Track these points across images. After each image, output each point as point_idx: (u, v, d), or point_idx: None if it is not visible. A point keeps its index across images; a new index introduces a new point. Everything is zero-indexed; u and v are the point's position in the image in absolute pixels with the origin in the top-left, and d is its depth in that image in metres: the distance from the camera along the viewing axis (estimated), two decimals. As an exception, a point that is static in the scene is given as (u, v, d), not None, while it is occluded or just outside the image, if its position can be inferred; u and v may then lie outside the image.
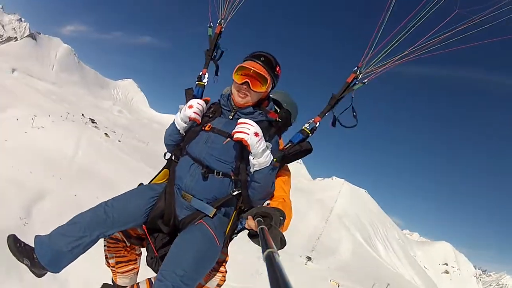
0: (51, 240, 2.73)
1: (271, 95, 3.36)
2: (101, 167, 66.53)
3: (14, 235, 2.78)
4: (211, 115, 3.13)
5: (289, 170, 3.32)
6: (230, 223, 2.97)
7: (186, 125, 3.08)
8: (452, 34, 2.86)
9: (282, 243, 2.20)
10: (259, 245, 1.65)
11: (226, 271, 3.12)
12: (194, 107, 3.03)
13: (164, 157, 3.30)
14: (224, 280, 3.10)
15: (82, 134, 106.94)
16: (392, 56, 3.07)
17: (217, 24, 3.73)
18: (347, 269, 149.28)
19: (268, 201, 2.88)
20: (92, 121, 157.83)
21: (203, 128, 3.01)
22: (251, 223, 2.31)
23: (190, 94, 3.43)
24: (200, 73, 3.51)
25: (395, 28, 2.99)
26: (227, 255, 3.14)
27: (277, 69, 3.05)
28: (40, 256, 2.68)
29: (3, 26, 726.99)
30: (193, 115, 3.00)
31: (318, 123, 3.20)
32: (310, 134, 3.18)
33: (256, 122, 2.81)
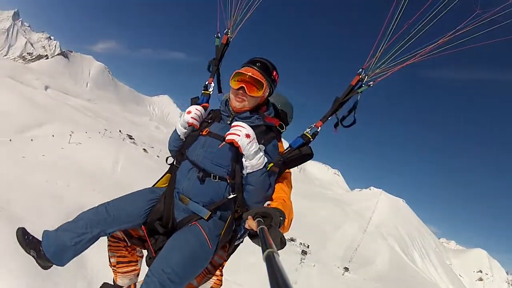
0: (57, 235, 2.93)
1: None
2: (140, 182, 63.23)
3: (23, 228, 3.06)
4: (209, 121, 3.22)
5: (290, 171, 3.35)
6: (226, 226, 2.99)
7: (186, 130, 3.21)
8: (467, 32, 2.81)
9: (282, 244, 2.26)
10: (259, 245, 1.64)
11: (222, 275, 3.19)
12: (192, 113, 3.15)
13: (166, 162, 3.44)
14: (220, 284, 3.17)
15: (121, 150, 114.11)
16: (401, 57, 3.02)
17: (224, 34, 3.79)
18: (384, 279, 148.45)
19: (268, 202, 2.90)
20: (130, 137, 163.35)
21: (201, 133, 3.10)
22: (251, 223, 2.34)
23: (194, 103, 3.45)
24: (206, 82, 3.62)
25: (403, 26, 2.95)
26: (225, 260, 3.21)
27: (274, 74, 3.13)
28: (45, 248, 2.90)
29: (32, 44, 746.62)
30: (191, 120, 3.12)
31: (320, 127, 3.22)
32: (312, 139, 3.19)
33: (253, 126, 2.93)
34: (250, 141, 2.75)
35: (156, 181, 3.50)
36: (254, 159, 2.78)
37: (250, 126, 2.88)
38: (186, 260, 2.71)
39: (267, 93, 3.15)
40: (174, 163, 3.31)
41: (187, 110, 3.21)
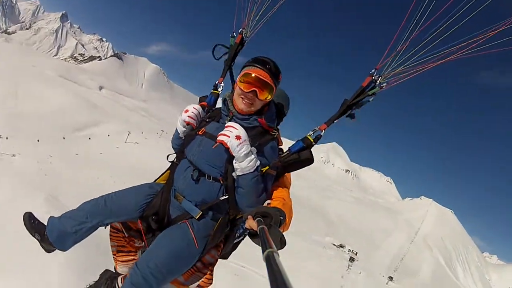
0: (60, 221, 3.23)
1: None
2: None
3: (30, 213, 3.39)
4: (208, 120, 3.27)
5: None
6: (216, 227, 3.07)
7: (184, 129, 3.28)
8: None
9: (282, 243, 2.25)
10: (259, 245, 1.71)
11: (211, 273, 3.25)
12: (189, 112, 3.23)
13: (167, 159, 3.44)
14: (209, 283, 3.26)
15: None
16: (423, 57, 2.80)
17: (238, 34, 3.74)
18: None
19: (268, 201, 2.93)
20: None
21: (198, 132, 3.16)
22: (251, 222, 2.35)
23: (203, 101, 3.50)
24: (217, 82, 3.56)
25: (428, 20, 2.71)
26: (216, 259, 3.30)
27: (280, 77, 3.10)
28: (49, 233, 3.21)
29: (83, 46, 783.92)
30: (187, 119, 3.19)
31: (324, 131, 3.20)
32: (314, 143, 3.19)
33: (251, 128, 3.01)
34: (240, 143, 2.81)
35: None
36: (244, 162, 2.83)
37: (248, 127, 3.01)
38: (171, 257, 2.91)
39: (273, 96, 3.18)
40: (175, 161, 3.40)
41: (185, 109, 3.31)
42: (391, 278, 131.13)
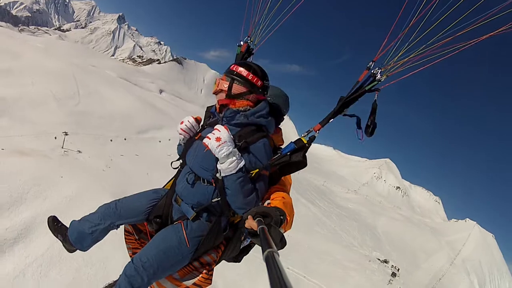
0: (79, 223, 3.97)
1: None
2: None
3: (54, 216, 4.27)
4: (205, 126, 3.72)
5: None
6: (210, 228, 3.48)
7: (182, 137, 3.77)
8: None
9: (282, 243, 2.37)
10: (260, 245, 1.83)
11: (208, 273, 3.59)
12: (183, 124, 3.72)
13: (171, 166, 3.84)
14: (207, 283, 3.60)
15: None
16: (428, 47, 2.73)
17: (243, 42, 4.25)
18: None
19: (268, 201, 3.20)
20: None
21: (195, 138, 3.64)
22: (251, 222, 2.50)
23: (208, 111, 3.90)
24: None
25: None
26: (215, 260, 3.69)
27: (234, 68, 3.48)
28: (70, 234, 3.98)
29: (141, 48, 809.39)
30: (179, 130, 3.72)
31: (318, 131, 3.47)
32: (307, 145, 3.48)
33: (238, 124, 3.40)
34: (219, 144, 3.11)
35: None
36: (224, 163, 3.13)
37: (235, 124, 3.41)
38: (161, 253, 3.39)
39: (229, 88, 3.44)
40: (180, 167, 3.83)
41: (181, 121, 3.78)
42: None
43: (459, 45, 2.74)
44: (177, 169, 3.87)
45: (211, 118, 3.82)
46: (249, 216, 2.58)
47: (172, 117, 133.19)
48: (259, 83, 3.48)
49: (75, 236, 3.93)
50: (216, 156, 3.14)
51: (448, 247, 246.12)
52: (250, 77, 3.46)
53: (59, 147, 56.61)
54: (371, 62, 3.17)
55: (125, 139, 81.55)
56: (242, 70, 3.47)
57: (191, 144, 3.63)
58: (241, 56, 4.31)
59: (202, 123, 3.88)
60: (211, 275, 3.63)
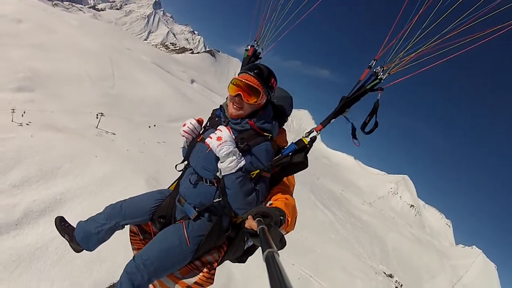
0: (86, 223, 4.09)
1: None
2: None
3: (62, 217, 4.41)
4: (207, 128, 3.71)
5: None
6: (211, 228, 3.53)
7: (185, 139, 3.80)
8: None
9: (282, 244, 2.38)
10: (259, 245, 1.87)
11: (209, 272, 3.63)
12: (186, 126, 3.72)
13: (176, 168, 3.92)
14: (209, 283, 3.64)
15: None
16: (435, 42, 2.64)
17: (250, 46, 4.25)
18: None
19: (270, 201, 3.24)
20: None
21: (197, 140, 3.65)
22: (251, 222, 2.51)
23: (213, 114, 3.86)
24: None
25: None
26: (216, 260, 3.72)
27: (272, 81, 3.42)
28: (76, 234, 4.10)
29: (174, 35, 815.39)
30: (182, 133, 3.72)
31: (319, 132, 3.47)
32: (308, 146, 3.47)
33: (243, 130, 3.42)
34: (220, 144, 3.16)
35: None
36: (224, 162, 3.17)
37: (241, 130, 3.43)
38: (162, 252, 3.46)
39: (264, 100, 3.45)
40: (183, 169, 3.91)
41: (183, 123, 3.77)
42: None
43: (466, 39, 2.57)
44: (182, 171, 3.93)
45: (216, 119, 3.79)
46: (249, 216, 2.60)
47: (203, 108, 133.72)
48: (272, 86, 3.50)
49: (81, 236, 4.08)
50: (217, 155, 3.18)
51: (451, 271, 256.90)
52: (275, 90, 3.55)
53: (93, 127, 57.35)
54: (372, 61, 3.14)
55: (154, 125, 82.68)
56: (275, 84, 3.50)
57: (194, 145, 3.68)
58: (248, 60, 4.29)
59: (204, 124, 3.87)
60: (213, 274, 3.69)
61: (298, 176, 3.90)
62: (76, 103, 66.58)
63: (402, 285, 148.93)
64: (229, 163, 3.13)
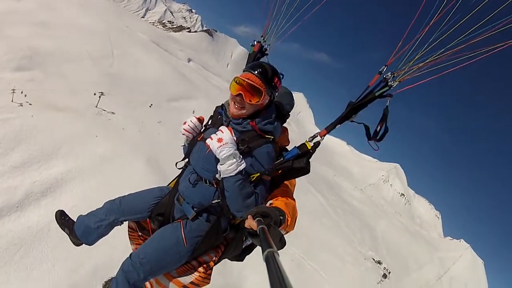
0: (86, 218, 4.08)
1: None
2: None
3: (62, 211, 4.37)
4: (208, 127, 3.69)
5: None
6: (208, 229, 3.49)
7: (185, 137, 3.78)
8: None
9: (282, 244, 2.35)
10: (259, 245, 1.86)
11: (205, 272, 3.60)
12: (186, 124, 3.71)
13: (176, 166, 3.90)
14: (205, 282, 3.62)
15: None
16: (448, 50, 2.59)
17: (256, 42, 4.19)
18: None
19: (270, 201, 3.19)
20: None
21: (198, 138, 3.60)
22: (251, 222, 2.47)
23: (215, 112, 3.77)
24: None
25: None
26: (213, 259, 3.67)
27: (275, 80, 3.33)
28: (76, 228, 4.09)
29: (172, 13, 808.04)
30: (182, 131, 3.70)
31: (323, 137, 3.39)
32: (311, 151, 3.37)
33: (244, 131, 3.34)
34: (221, 146, 3.06)
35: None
36: (224, 165, 3.08)
37: (242, 131, 3.35)
38: (159, 251, 3.44)
39: (266, 100, 3.37)
40: (183, 167, 3.87)
41: (183, 121, 3.77)
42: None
43: (479, 51, 2.52)
44: (182, 169, 3.89)
45: (217, 117, 3.71)
46: (249, 216, 2.55)
47: (200, 88, 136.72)
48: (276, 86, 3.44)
49: (81, 230, 4.06)
50: (217, 156, 3.10)
51: (438, 263, 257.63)
52: (278, 89, 3.48)
53: (92, 106, 56.92)
54: (383, 66, 3.06)
55: (151, 105, 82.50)
56: (279, 83, 3.41)
57: (194, 144, 3.62)
58: (254, 56, 4.20)
59: (205, 123, 3.83)
60: (209, 274, 3.66)
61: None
62: (76, 82, 65.89)
63: (390, 272, 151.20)
64: (229, 166, 3.05)
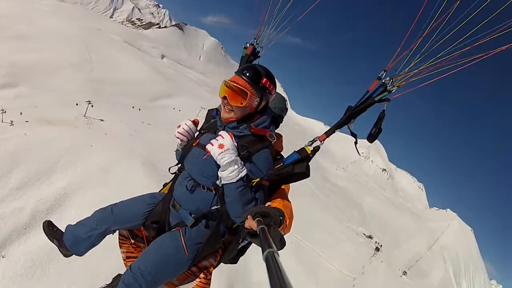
0: (75, 228, 3.86)
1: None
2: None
3: (50, 221, 4.09)
4: (203, 131, 3.59)
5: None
6: (209, 235, 3.38)
7: (180, 142, 3.64)
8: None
9: (282, 244, 2.36)
10: (259, 245, 1.81)
11: (206, 277, 3.54)
12: (180, 127, 3.59)
13: (169, 171, 3.81)
14: (205, 287, 3.53)
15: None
16: (448, 54, 2.61)
17: (249, 45, 4.14)
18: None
19: (268, 203, 3.18)
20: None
21: (193, 144, 3.47)
22: (251, 222, 2.46)
23: (209, 115, 3.74)
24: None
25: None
26: (212, 264, 3.60)
27: (263, 81, 3.20)
28: (65, 239, 3.83)
29: (139, 10, 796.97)
30: (177, 134, 3.58)
31: (323, 141, 3.41)
32: (311, 156, 3.37)
33: (242, 136, 3.23)
34: (222, 152, 3.01)
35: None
36: (225, 171, 3.02)
37: (239, 136, 3.26)
38: (159, 261, 3.32)
39: (255, 102, 3.26)
40: (177, 172, 3.78)
41: (178, 125, 3.65)
42: (405, 273, 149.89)
43: (476, 56, 2.57)
44: (175, 174, 3.83)
45: (211, 121, 3.66)
46: (249, 216, 2.52)
47: (178, 84, 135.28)
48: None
49: (71, 241, 3.87)
50: (218, 163, 3.03)
51: (427, 233, 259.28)
52: (270, 90, 3.35)
53: (81, 116, 56.10)
54: (382, 72, 3.06)
55: (133, 107, 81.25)
56: (268, 83, 3.27)
57: (189, 149, 3.51)
58: (247, 59, 4.17)
59: (199, 127, 3.77)
60: (209, 279, 3.62)
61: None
62: (62, 92, 64.40)
63: (382, 245, 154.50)
64: (230, 173, 3.01)
